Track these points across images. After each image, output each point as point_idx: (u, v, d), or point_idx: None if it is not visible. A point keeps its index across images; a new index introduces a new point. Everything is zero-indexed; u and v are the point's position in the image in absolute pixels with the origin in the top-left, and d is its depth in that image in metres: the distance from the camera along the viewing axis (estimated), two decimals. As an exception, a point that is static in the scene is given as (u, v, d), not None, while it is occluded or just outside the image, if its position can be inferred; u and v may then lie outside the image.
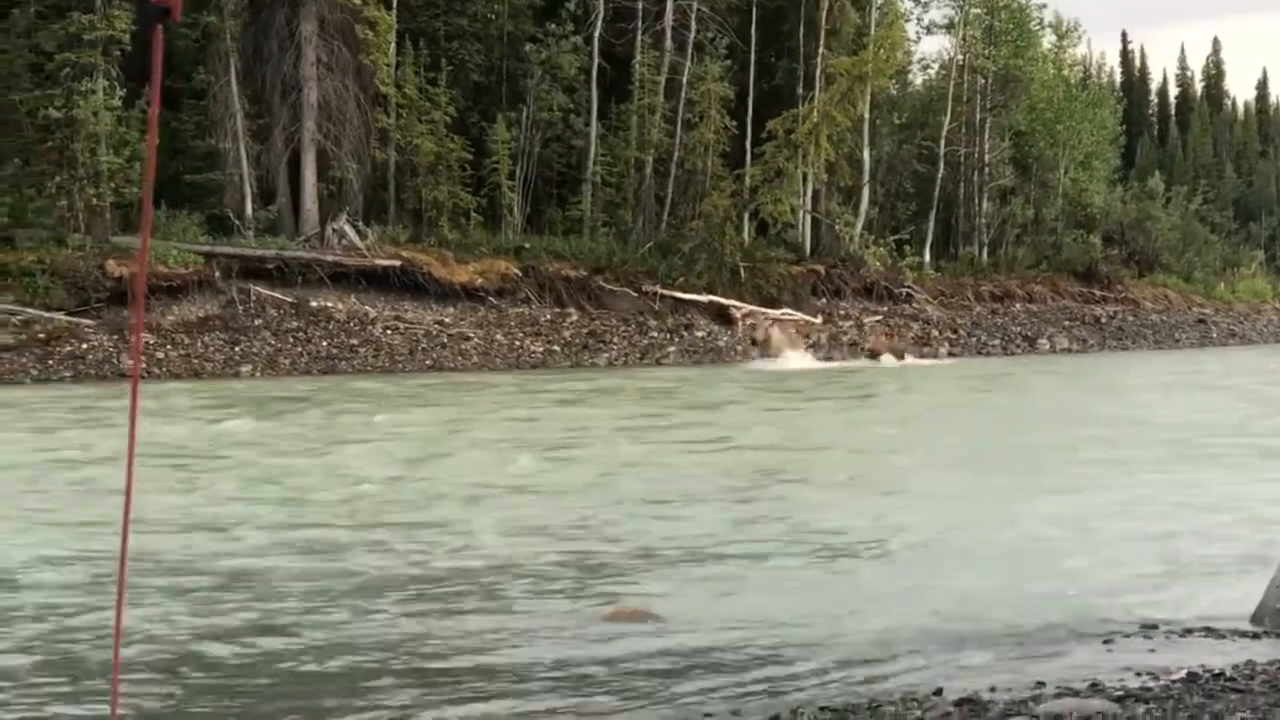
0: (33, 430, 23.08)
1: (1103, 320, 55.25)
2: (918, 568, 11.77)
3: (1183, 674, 7.90)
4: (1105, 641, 9.03)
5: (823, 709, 7.41)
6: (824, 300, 49.63)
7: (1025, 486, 16.57)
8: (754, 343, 43.63)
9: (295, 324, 39.75)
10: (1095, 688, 7.71)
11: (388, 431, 23.21)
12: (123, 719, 7.38)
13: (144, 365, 34.96)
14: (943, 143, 57.64)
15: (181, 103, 42.70)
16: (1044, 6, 67.72)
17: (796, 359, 42.23)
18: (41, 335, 35.65)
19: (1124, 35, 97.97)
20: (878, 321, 48.66)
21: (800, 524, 13.99)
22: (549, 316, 43.77)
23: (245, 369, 36.66)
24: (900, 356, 44.54)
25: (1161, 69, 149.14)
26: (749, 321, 45.07)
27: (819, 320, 47.21)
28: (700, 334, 44.81)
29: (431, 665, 8.76)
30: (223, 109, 43.35)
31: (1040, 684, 7.84)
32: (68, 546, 12.55)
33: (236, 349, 37.78)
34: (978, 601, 10.28)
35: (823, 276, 50.35)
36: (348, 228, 43.04)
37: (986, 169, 60.32)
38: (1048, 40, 65.72)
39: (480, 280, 43.36)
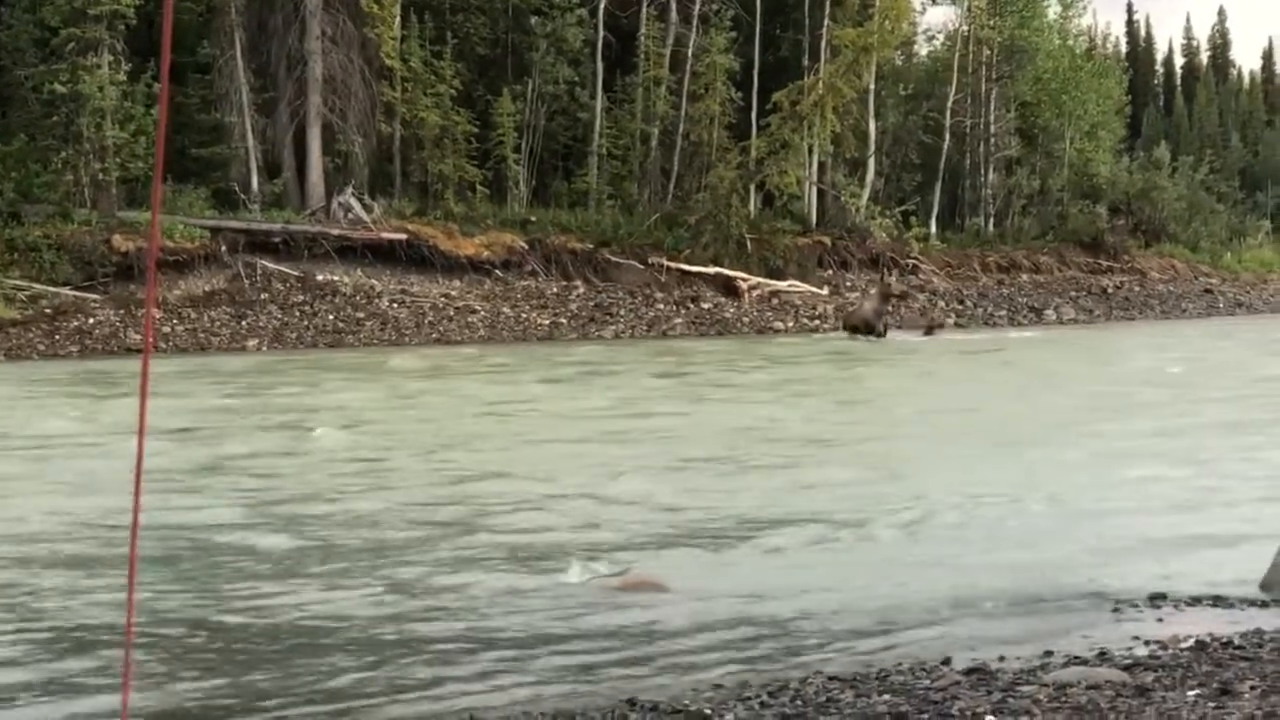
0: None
1: (1109, 290, 55.11)
2: (925, 539, 11.78)
3: (1191, 642, 7.93)
4: (1114, 611, 9.06)
5: (831, 678, 7.45)
6: (830, 272, 49.58)
7: (1035, 458, 16.55)
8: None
9: (301, 298, 39.80)
10: (1104, 656, 7.75)
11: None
12: (137, 701, 7.41)
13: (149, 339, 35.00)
14: (948, 114, 57.49)
15: (187, 77, 42.66)
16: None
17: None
18: (48, 310, 35.74)
19: (1129, 5, 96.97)
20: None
21: (819, 494, 13.98)
22: (555, 289, 43.76)
23: (252, 343, 36.71)
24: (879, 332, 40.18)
25: (1167, 39, 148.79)
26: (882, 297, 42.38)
27: (825, 292, 47.10)
28: (707, 306, 44.78)
29: (438, 632, 8.77)
30: (228, 83, 43.34)
31: (1048, 653, 7.88)
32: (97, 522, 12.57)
33: (243, 323, 37.82)
34: (986, 572, 10.29)
35: (829, 248, 50.29)
36: (353, 201, 43.04)
37: (992, 140, 60.14)
38: (1053, 10, 65.42)
39: (486, 253, 43.39)
